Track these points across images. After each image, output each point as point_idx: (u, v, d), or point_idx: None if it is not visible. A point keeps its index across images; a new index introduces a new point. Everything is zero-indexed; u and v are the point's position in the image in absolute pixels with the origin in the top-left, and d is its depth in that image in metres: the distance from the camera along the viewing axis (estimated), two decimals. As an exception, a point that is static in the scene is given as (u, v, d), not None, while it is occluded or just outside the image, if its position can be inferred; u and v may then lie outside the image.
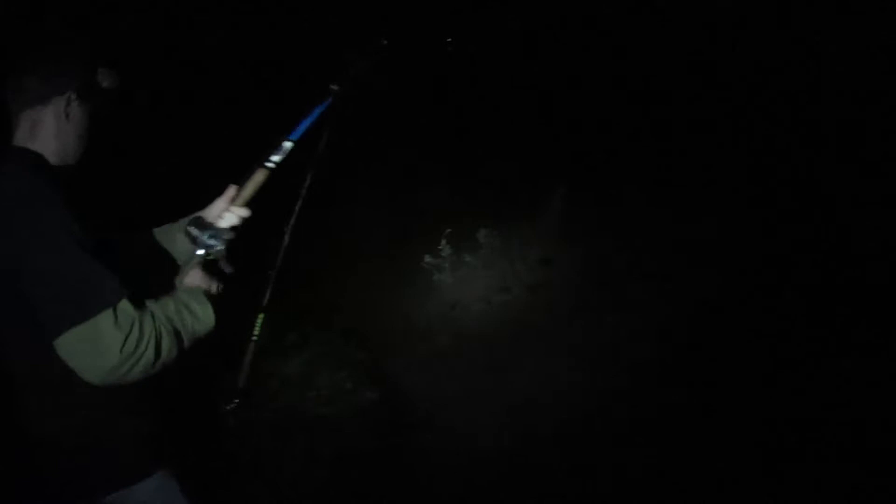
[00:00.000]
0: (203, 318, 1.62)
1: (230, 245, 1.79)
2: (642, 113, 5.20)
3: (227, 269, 1.76)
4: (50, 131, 1.58)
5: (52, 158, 1.58)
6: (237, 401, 2.27)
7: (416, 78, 4.58)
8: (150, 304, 1.50)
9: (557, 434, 3.36)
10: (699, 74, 5.11)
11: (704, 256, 4.36)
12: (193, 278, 1.71)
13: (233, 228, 1.79)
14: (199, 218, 1.80)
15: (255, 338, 2.40)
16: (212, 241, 1.76)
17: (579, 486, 2.97)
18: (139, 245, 1.88)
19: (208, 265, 1.78)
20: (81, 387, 1.41)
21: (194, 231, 1.76)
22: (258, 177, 1.83)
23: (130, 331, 1.41)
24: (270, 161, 1.84)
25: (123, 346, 1.40)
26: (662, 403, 3.36)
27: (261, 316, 2.42)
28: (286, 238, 2.35)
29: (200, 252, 1.76)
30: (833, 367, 3.28)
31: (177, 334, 1.52)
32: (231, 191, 1.81)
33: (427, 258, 4.41)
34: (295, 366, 3.58)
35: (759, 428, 3.06)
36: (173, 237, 1.84)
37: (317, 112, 1.93)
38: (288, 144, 1.86)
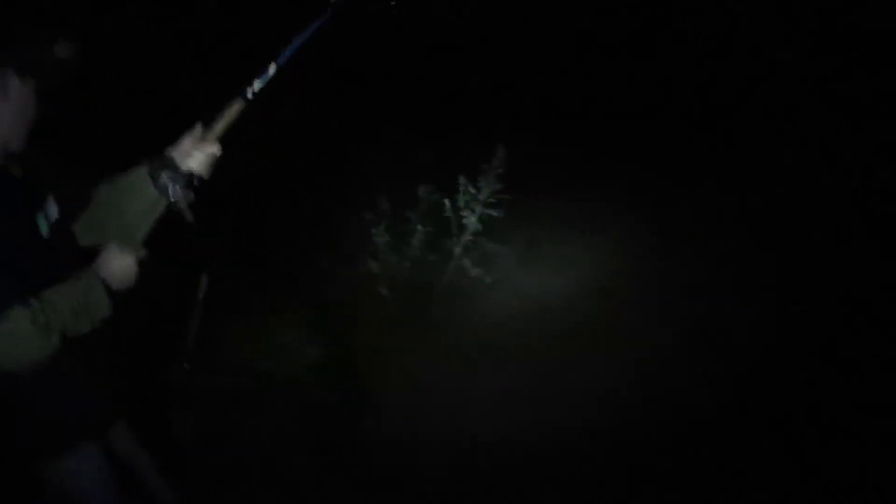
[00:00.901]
0: (96, 312, 1.54)
1: (196, 189, 1.60)
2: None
3: (189, 217, 1.59)
4: None
5: None
6: (187, 365, 2.27)
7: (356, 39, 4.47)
8: (40, 305, 1.44)
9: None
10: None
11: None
12: (106, 259, 1.60)
13: (196, 171, 1.61)
14: (163, 157, 1.63)
15: (200, 300, 2.40)
16: (171, 186, 1.59)
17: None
18: (104, 197, 1.72)
19: (170, 213, 1.59)
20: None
21: (154, 173, 1.60)
22: (233, 109, 1.62)
23: (19, 332, 1.38)
24: (250, 90, 1.61)
25: (12, 346, 1.38)
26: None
27: (204, 277, 2.42)
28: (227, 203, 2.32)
29: (162, 199, 1.59)
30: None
31: (63, 332, 1.48)
32: (197, 129, 1.64)
33: (366, 215, 4.39)
34: (241, 326, 3.58)
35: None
36: (145, 180, 1.66)
37: (310, 31, 1.64)
38: (272, 70, 1.61)
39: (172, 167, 1.60)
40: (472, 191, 4.04)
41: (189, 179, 1.60)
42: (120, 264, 1.59)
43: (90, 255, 1.65)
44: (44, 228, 1.58)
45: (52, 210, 1.64)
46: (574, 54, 5.29)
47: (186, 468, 2.44)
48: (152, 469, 1.89)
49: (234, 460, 2.89)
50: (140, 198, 1.66)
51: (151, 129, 2.02)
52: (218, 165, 1.70)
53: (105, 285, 1.56)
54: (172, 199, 1.60)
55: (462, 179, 4.07)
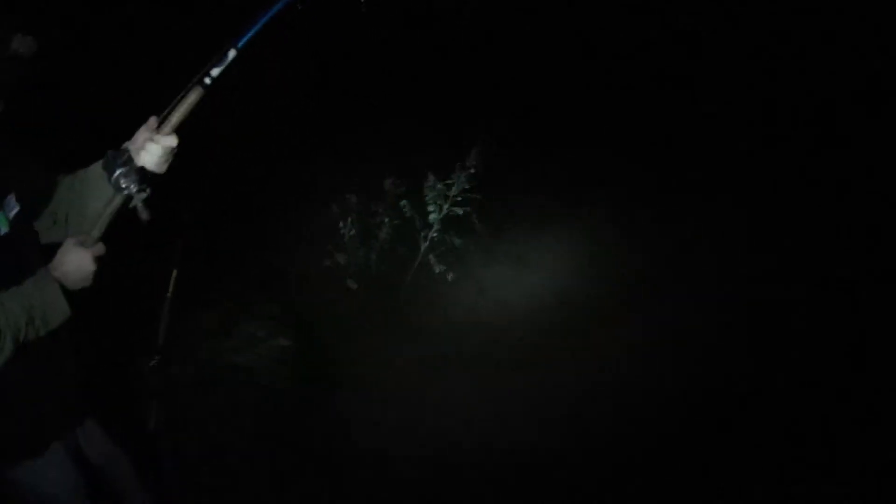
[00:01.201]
0: (51, 313, 1.48)
1: (151, 184, 1.50)
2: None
3: (145, 215, 1.48)
4: None
5: None
6: (157, 358, 2.27)
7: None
8: None
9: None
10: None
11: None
12: (60, 258, 1.52)
13: (150, 165, 1.52)
14: (118, 152, 1.54)
15: (169, 295, 2.40)
16: (124, 182, 1.48)
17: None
18: (64, 193, 1.66)
19: (129, 211, 1.50)
20: None
21: (108, 167, 1.51)
22: (191, 96, 1.50)
23: None
24: (208, 76, 1.50)
25: None
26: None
27: (174, 273, 2.42)
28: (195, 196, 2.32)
29: (117, 195, 1.50)
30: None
31: (15, 339, 1.43)
32: (151, 120, 1.54)
33: (334, 208, 4.40)
34: (210, 320, 3.58)
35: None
36: (101, 176, 1.57)
37: (272, 12, 1.53)
38: (231, 54, 1.51)
39: (126, 162, 1.52)
40: (441, 187, 4.06)
41: (143, 174, 1.51)
42: (76, 262, 1.51)
43: (54, 253, 1.62)
44: (3, 226, 1.54)
45: (13, 207, 1.58)
46: (566, 57, 5.33)
47: (157, 462, 2.44)
48: (124, 464, 1.87)
49: (204, 453, 2.88)
50: (97, 194, 1.60)
51: (123, 120, 1.96)
52: (178, 157, 1.61)
53: (60, 285, 1.49)
54: (126, 195, 1.52)
55: (431, 176, 4.09)
